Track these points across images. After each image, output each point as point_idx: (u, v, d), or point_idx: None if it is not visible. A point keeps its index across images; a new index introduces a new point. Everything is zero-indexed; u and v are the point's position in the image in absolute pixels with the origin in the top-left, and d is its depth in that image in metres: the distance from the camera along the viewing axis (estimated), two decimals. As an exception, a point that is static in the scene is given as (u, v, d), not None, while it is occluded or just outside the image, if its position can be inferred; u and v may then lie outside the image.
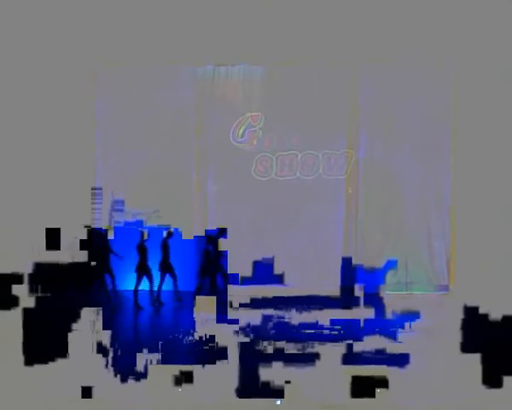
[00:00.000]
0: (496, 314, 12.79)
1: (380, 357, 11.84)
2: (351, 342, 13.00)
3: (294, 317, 15.45)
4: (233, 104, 18.79)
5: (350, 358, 11.79)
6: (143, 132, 18.60)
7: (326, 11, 16.88)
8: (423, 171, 18.54)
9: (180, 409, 9.40)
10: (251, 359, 11.33)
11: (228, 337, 12.93)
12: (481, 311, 12.96)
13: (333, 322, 14.93)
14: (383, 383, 9.28)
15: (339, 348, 12.45)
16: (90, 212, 18.36)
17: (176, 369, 10.32)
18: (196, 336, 13.28)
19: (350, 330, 14.29)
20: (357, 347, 12.76)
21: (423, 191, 18.60)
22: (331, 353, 11.99)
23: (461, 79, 17.66)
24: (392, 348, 12.38)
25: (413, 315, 14.86)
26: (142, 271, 17.41)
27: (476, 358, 10.93)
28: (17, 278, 12.78)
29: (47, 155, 17.28)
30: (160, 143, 18.60)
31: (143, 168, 18.51)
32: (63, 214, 16.27)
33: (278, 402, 8.97)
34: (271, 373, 10.38)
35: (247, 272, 17.81)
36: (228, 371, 10.55)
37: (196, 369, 10.54)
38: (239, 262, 17.36)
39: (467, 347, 11.59)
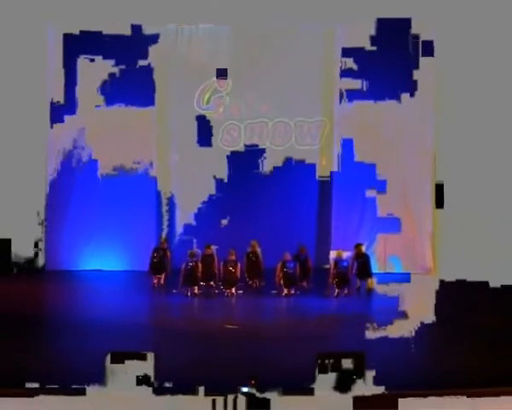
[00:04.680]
0: (477, 295, 14.76)
1: (358, 339, 11.74)
2: (329, 323, 13.27)
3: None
4: (198, 68, 18.19)
5: (325, 341, 11.58)
6: (102, 92, 18.08)
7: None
8: (405, 140, 18.07)
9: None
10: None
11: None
12: (463, 291, 15.04)
13: (306, 303, 15.07)
14: (360, 368, 8.84)
15: (314, 331, 12.52)
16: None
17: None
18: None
19: (327, 311, 14.48)
20: (335, 328, 12.93)
21: (405, 165, 18.09)
22: (305, 336, 12.00)
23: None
24: (371, 329, 12.34)
25: (393, 296, 14.86)
26: None
27: (456, 339, 11.64)
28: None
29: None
30: (119, 105, 18.17)
31: (104, 125, 18.08)
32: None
33: (245, 390, 8.46)
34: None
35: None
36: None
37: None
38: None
39: (447, 327, 12.28)
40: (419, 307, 13.51)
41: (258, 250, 16.24)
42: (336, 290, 15.51)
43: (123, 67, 17.86)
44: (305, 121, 18.54)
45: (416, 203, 18.18)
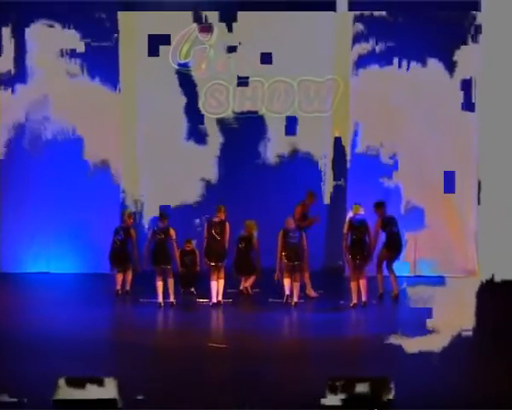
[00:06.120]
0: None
1: (381, 361, 10.39)
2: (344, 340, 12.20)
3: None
4: (173, 12, 16.68)
5: (337, 363, 10.35)
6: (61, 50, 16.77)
7: None
8: (444, 124, 16.57)
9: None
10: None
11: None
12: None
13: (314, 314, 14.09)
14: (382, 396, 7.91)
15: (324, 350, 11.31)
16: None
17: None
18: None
19: (349, 320, 13.61)
20: (351, 347, 11.75)
21: (443, 155, 16.61)
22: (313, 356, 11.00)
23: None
24: (398, 347, 11.04)
25: (429, 303, 13.50)
26: None
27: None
28: None
29: None
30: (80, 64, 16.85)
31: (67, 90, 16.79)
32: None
33: None
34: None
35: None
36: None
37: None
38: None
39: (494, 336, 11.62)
40: (465, 317, 12.44)
41: (255, 234, 14.53)
42: (353, 300, 13.55)
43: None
44: (311, 81, 17.09)
45: (457, 199, 16.81)
